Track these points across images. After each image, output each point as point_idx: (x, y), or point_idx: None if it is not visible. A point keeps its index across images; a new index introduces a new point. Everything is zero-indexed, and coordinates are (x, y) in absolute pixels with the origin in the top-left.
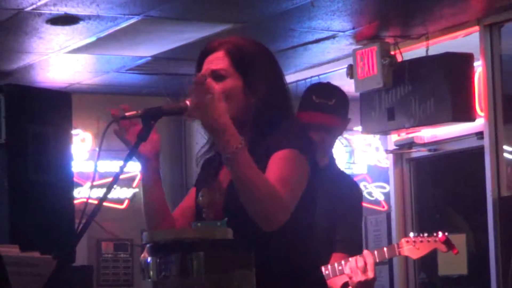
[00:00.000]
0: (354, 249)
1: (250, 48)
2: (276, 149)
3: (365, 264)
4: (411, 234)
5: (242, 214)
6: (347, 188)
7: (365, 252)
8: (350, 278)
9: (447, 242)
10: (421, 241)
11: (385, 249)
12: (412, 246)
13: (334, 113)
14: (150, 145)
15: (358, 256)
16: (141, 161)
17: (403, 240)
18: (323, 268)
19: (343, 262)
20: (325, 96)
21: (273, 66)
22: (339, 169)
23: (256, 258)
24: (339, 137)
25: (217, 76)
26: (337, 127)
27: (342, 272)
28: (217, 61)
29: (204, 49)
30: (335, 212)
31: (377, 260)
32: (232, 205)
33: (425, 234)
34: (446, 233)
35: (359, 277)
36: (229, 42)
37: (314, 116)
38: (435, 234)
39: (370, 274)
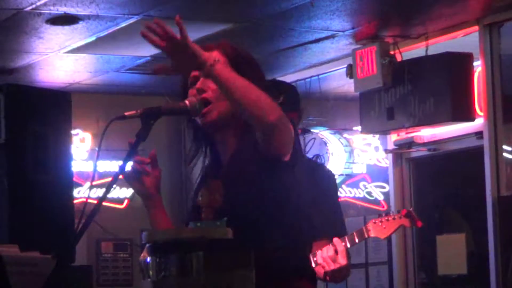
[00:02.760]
0: (335, 233)
1: (242, 51)
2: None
3: (336, 252)
4: (375, 217)
5: (239, 214)
6: (318, 174)
7: (335, 239)
8: (323, 267)
9: (409, 215)
10: (387, 220)
11: (354, 233)
12: (379, 227)
13: (286, 110)
14: (152, 179)
15: (328, 245)
16: (144, 199)
17: (370, 222)
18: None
19: (316, 253)
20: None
21: (259, 70)
22: (306, 157)
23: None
24: (339, 137)
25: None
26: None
27: (316, 263)
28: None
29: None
30: (312, 200)
31: (348, 246)
32: (229, 206)
33: (390, 213)
34: (411, 208)
35: (332, 266)
36: (223, 44)
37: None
38: (399, 212)
39: (342, 261)
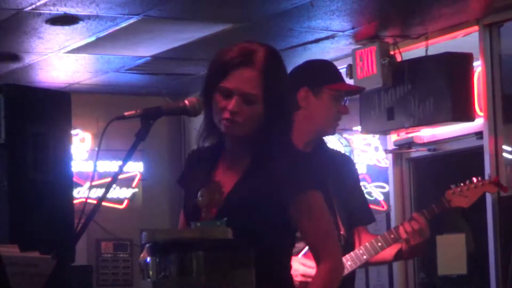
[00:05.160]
0: (371, 218)
1: (279, 70)
2: (298, 190)
3: (419, 225)
4: (452, 186)
5: (240, 219)
6: (344, 163)
7: (415, 214)
8: (408, 242)
9: (495, 182)
10: (468, 189)
11: (433, 206)
12: (460, 196)
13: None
14: None
15: (411, 221)
16: None
17: (448, 193)
18: (374, 241)
19: (394, 230)
20: (335, 67)
21: (287, 80)
22: (327, 147)
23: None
24: (339, 137)
25: (248, 100)
26: None
27: (395, 241)
28: (251, 83)
29: (233, 56)
30: (341, 189)
31: (429, 218)
32: (230, 210)
33: (467, 182)
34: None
35: (417, 239)
36: (263, 62)
37: (343, 85)
38: (479, 179)
39: (426, 234)
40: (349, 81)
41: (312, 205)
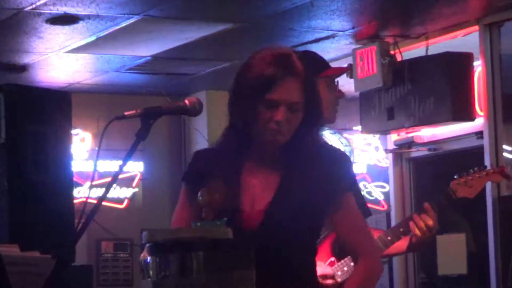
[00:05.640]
0: (368, 212)
1: (314, 77)
2: (339, 192)
3: (429, 218)
4: (456, 176)
5: (284, 224)
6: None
7: (426, 205)
8: (418, 235)
9: (499, 172)
10: (472, 179)
11: (440, 197)
12: (465, 187)
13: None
14: None
15: (420, 213)
16: None
17: (453, 184)
18: (383, 236)
19: (403, 223)
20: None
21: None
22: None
23: (288, 265)
24: (339, 137)
25: (293, 108)
26: None
27: (405, 234)
28: (296, 92)
29: (274, 67)
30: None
31: (437, 210)
32: (276, 214)
33: (471, 171)
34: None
35: (427, 232)
36: (302, 68)
37: (332, 70)
38: (482, 168)
39: (436, 226)
40: (350, 81)
41: (351, 206)
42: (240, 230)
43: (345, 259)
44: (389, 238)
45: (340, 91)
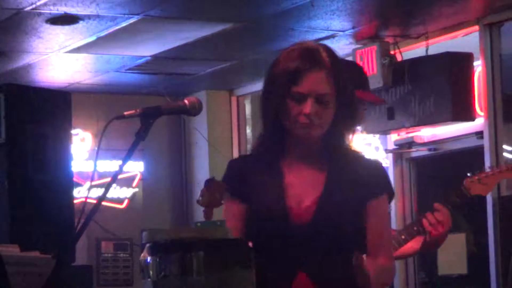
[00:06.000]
0: None
1: (344, 70)
2: (375, 194)
3: (441, 215)
4: (469, 174)
5: (334, 220)
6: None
7: (436, 204)
8: (431, 233)
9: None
10: (486, 176)
11: (453, 194)
12: (478, 184)
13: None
14: None
15: (434, 212)
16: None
17: (467, 180)
18: (397, 234)
19: (417, 222)
20: (365, 74)
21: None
22: None
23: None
24: None
25: (322, 101)
26: None
27: (418, 233)
28: (324, 85)
29: (303, 62)
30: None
31: (450, 208)
32: (324, 210)
33: (484, 169)
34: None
35: (440, 229)
36: (331, 63)
37: (368, 95)
38: (497, 166)
39: (450, 224)
40: None
41: (384, 209)
42: (289, 227)
43: None
44: (403, 237)
45: (362, 113)
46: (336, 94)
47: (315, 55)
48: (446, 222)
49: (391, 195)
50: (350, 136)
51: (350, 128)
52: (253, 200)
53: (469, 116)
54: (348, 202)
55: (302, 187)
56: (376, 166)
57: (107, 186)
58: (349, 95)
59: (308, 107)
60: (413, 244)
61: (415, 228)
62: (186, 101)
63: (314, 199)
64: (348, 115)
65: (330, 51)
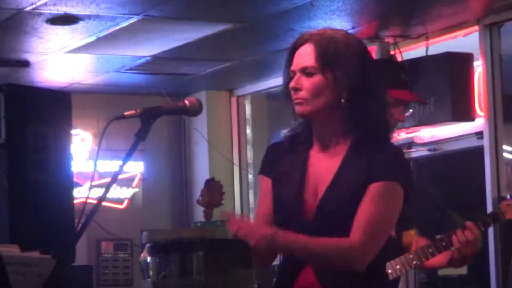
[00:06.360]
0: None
1: (339, 42)
2: (377, 178)
3: (472, 236)
4: (508, 196)
5: (335, 216)
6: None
7: (468, 223)
8: (459, 251)
9: None
10: None
11: (487, 217)
12: None
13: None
14: None
15: (464, 230)
16: None
17: (503, 204)
18: (425, 247)
19: (446, 237)
20: (407, 72)
21: (363, 60)
22: None
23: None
24: None
25: (307, 73)
26: None
27: (446, 248)
28: (306, 57)
29: (295, 41)
30: None
31: (483, 230)
32: (325, 207)
33: None
34: None
35: (469, 250)
36: (318, 35)
37: (405, 94)
38: None
39: (479, 245)
40: None
41: (383, 195)
42: (300, 223)
43: (401, 257)
44: (430, 250)
45: (402, 115)
46: (321, 63)
47: (306, 35)
48: (475, 243)
49: (404, 184)
50: (382, 124)
51: (372, 113)
52: (276, 190)
53: (469, 116)
54: (350, 189)
55: (320, 177)
56: (391, 153)
57: (107, 186)
58: (343, 67)
59: (294, 81)
60: (441, 259)
61: (443, 244)
62: (186, 102)
63: (325, 189)
64: (344, 82)
65: (328, 29)
